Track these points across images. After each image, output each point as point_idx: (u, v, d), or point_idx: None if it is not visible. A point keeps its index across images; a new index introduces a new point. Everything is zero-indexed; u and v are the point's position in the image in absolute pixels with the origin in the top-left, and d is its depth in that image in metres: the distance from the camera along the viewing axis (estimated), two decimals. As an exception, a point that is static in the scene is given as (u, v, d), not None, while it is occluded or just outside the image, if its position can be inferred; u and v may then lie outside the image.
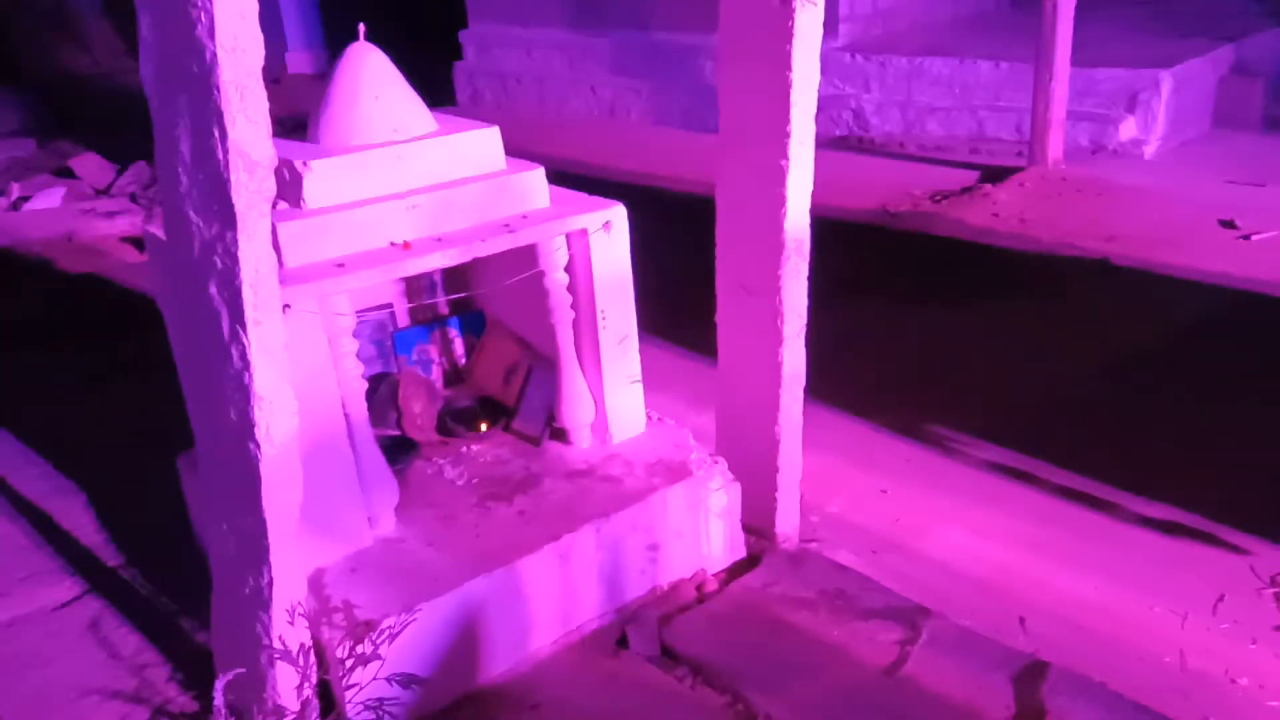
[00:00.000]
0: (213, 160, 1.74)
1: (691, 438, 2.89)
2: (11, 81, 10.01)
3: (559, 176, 2.78)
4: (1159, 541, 2.92)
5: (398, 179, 2.46)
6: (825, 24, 2.41)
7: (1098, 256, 5.09)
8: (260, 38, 1.70)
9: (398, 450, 2.78)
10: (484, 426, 2.97)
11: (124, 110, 8.19)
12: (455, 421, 2.98)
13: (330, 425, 2.33)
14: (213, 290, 1.86)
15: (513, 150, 2.68)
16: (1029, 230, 5.56)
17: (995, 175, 6.43)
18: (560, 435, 2.90)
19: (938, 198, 6.20)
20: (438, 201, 2.47)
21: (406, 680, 2.16)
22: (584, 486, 2.69)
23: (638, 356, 2.85)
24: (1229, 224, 5.40)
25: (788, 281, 2.58)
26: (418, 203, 2.44)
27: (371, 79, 2.52)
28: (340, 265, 2.29)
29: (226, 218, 1.77)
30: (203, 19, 1.65)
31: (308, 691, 2.11)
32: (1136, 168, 6.50)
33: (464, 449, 2.91)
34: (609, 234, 2.66)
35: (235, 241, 1.78)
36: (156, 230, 2.46)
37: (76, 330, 4.97)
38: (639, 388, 2.88)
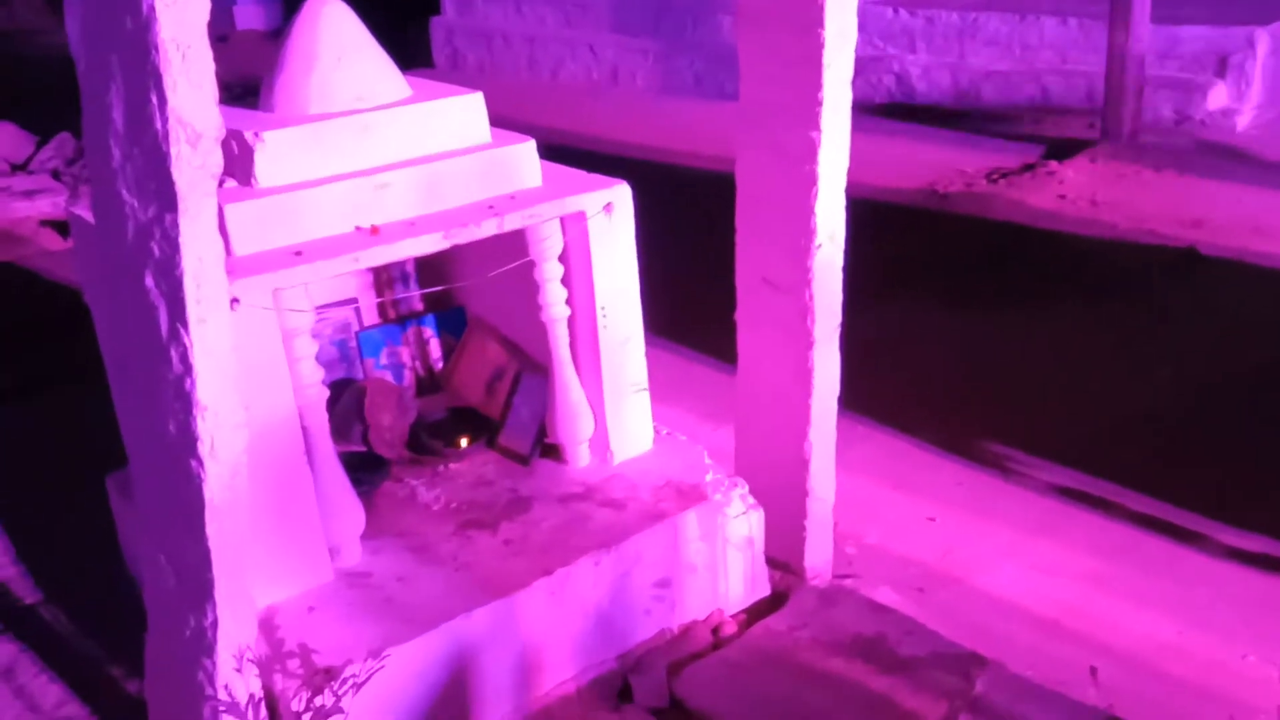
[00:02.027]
0: (150, 131, 1.75)
1: (706, 456, 2.89)
2: (-86, 40, 10.07)
3: (553, 151, 2.79)
4: (1253, 579, 2.92)
5: (364, 153, 2.47)
6: (863, -27, 2.42)
7: (1182, 246, 5.08)
8: (206, -12, 1.71)
9: (364, 469, 2.78)
10: (464, 442, 2.98)
11: (46, 74, 8.23)
12: (430, 436, 2.98)
13: (285, 440, 2.33)
14: (149, 282, 1.87)
15: (499, 120, 2.69)
16: (1101, 215, 5.56)
17: (1062, 150, 6.43)
18: (553, 453, 2.90)
19: (994, 177, 6.20)
20: (411, 180, 2.47)
21: (373, 738, 2.16)
22: (581, 512, 2.69)
23: (644, 361, 2.86)
24: (1336, 208, 5.40)
25: (819, 275, 2.58)
26: (387, 181, 2.44)
27: (334, 37, 2.53)
28: (297, 254, 2.29)
29: (166, 197, 1.78)
30: (139, -33, 1.66)
31: (258, 750, 2.12)
32: (1228, 141, 6.50)
33: (441, 468, 2.91)
34: (611, 217, 2.66)
35: (175, 225, 1.78)
36: (84, 212, 2.47)
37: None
38: (645, 397, 2.89)
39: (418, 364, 3.25)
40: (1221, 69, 6.79)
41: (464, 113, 2.61)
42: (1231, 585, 2.90)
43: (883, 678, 2.50)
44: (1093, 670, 2.60)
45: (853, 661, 2.55)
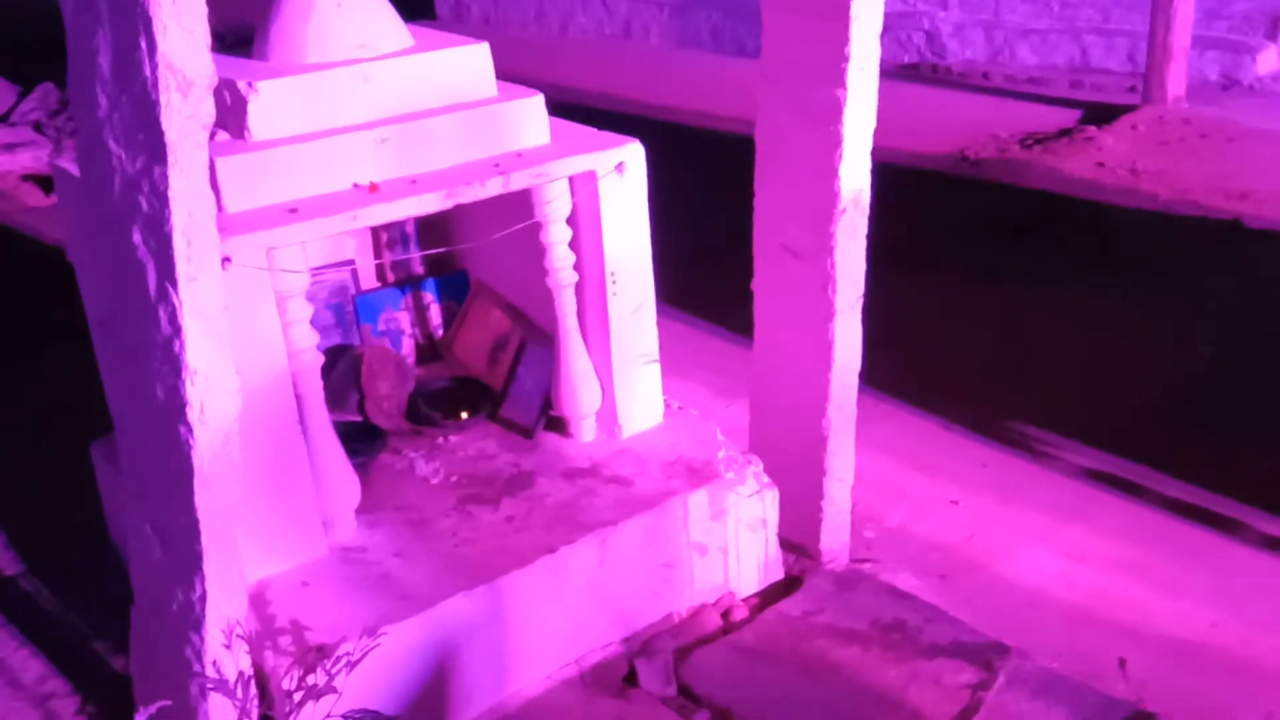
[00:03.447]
0: (139, 78, 1.75)
1: (719, 432, 2.90)
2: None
3: (562, 108, 2.78)
4: (1293, 570, 2.92)
5: (364, 106, 2.46)
6: (894, -78, 2.40)
7: (1226, 218, 5.06)
8: (198, -72, 1.71)
9: (360, 440, 2.79)
10: (465, 413, 2.98)
11: (28, 21, 8.20)
12: (430, 406, 2.99)
13: (278, 407, 2.34)
14: (137, 238, 1.87)
15: (505, 75, 2.68)
16: (1142, 184, 5.53)
17: (1101, 115, 6.40)
18: (558, 426, 2.91)
19: (1029, 142, 6.16)
20: (412, 134, 2.47)
21: (367, 719, 2.18)
22: (586, 488, 2.70)
23: (655, 331, 2.86)
24: (1391, 180, 5.36)
25: (842, 242, 2.57)
26: (388, 135, 2.44)
27: (333, -17, 2.52)
28: (293, 211, 2.29)
29: (155, 149, 1.78)
30: (128, -96, 1.66)
31: (247, 730, 2.14)
32: (1277, 108, 6.45)
33: (440, 440, 2.92)
34: (622, 178, 2.65)
35: (165, 178, 1.79)
36: (68, 165, 2.47)
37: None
38: (655, 369, 2.89)
39: (417, 330, 3.25)
40: (1273, 30, 6.73)
41: (469, 64, 2.60)
42: (1271, 575, 2.90)
43: (901, 667, 2.51)
44: (1122, 662, 2.61)
45: (870, 649, 2.56)
